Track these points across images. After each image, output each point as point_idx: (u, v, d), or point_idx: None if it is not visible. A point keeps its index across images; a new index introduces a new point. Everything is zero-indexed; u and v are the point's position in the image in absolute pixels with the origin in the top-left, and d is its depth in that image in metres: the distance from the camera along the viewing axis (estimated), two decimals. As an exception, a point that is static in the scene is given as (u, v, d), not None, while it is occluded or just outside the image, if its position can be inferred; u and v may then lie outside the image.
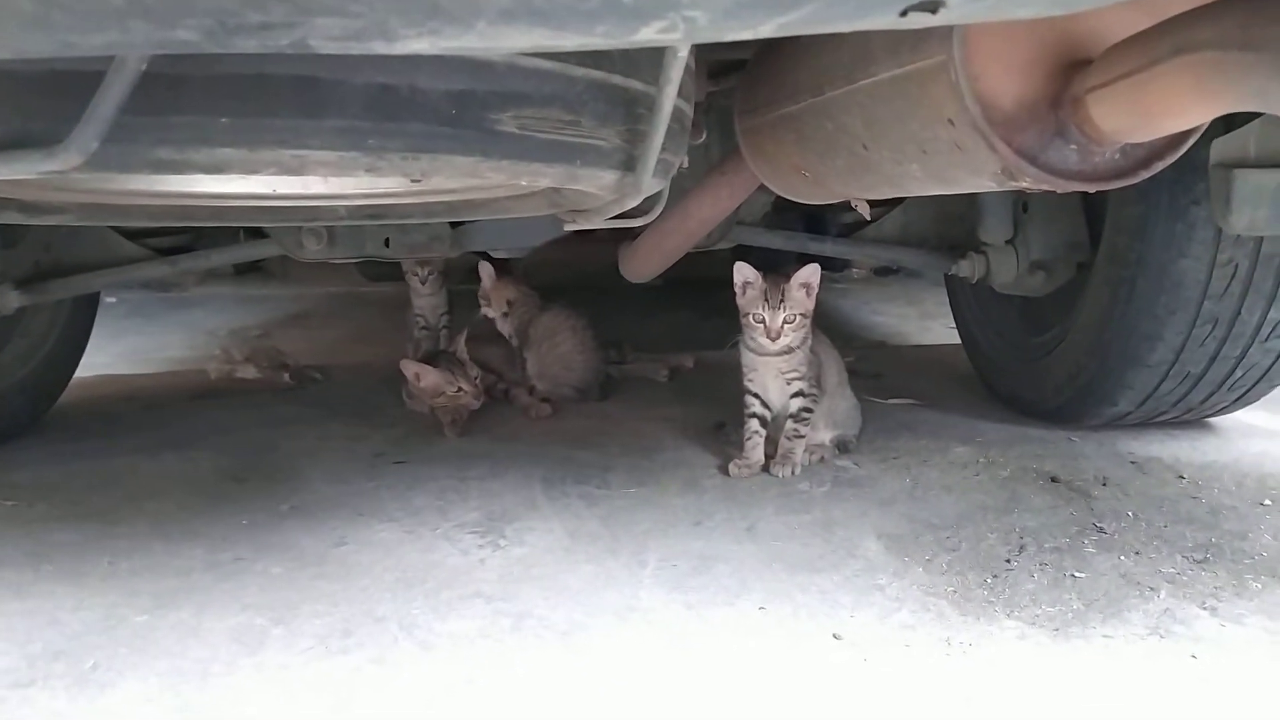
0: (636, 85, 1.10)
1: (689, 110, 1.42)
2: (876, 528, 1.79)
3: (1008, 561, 1.62)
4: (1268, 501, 1.85)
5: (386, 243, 2.65)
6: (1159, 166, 1.13)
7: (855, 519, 1.84)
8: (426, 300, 3.54)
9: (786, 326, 2.07)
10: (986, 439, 2.34)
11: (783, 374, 2.13)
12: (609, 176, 1.25)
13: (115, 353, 3.95)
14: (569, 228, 1.79)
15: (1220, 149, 1.66)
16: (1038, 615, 1.42)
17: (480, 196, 1.70)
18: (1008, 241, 2.39)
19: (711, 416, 2.51)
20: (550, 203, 1.73)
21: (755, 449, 2.15)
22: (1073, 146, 1.09)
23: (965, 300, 2.91)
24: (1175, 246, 1.91)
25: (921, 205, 2.69)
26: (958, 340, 3.02)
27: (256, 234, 2.73)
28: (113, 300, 5.20)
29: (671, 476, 2.13)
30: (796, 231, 2.77)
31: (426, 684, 1.27)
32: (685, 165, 1.55)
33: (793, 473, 2.11)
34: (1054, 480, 2.03)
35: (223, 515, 1.92)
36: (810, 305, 2.10)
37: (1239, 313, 1.96)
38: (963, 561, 1.63)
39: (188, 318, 4.92)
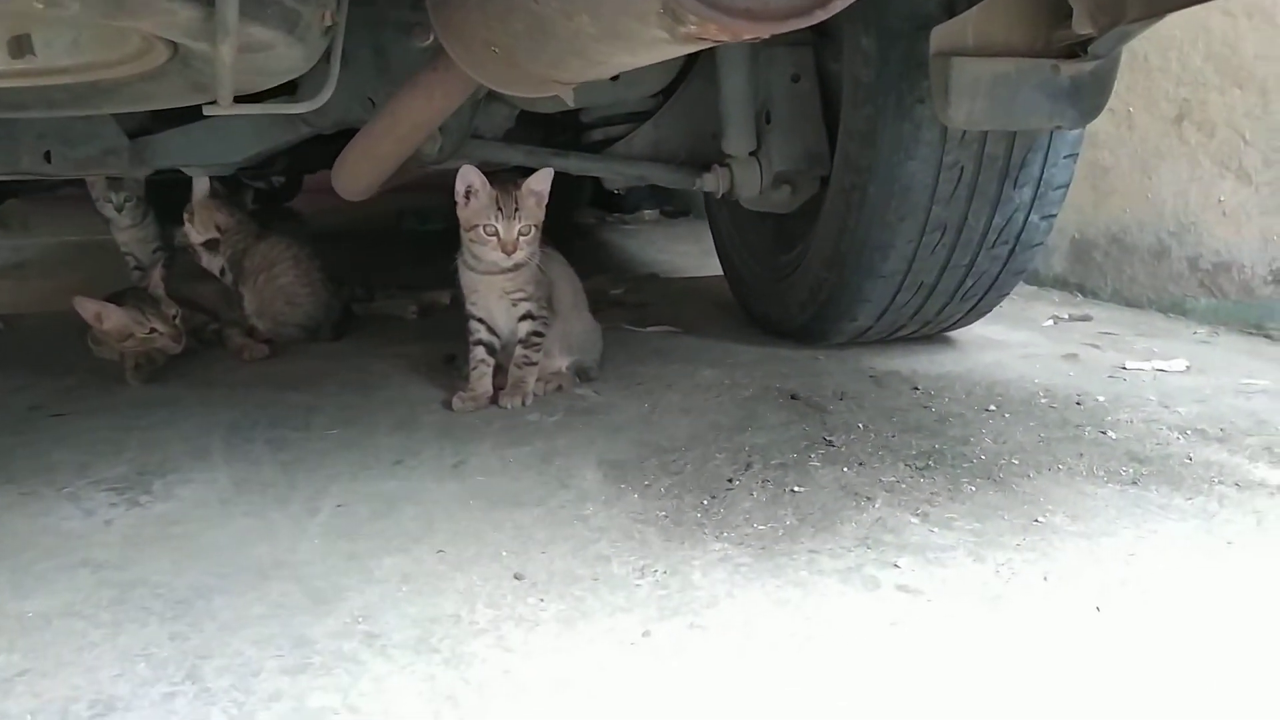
0: None
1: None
2: (600, 456, 1.62)
3: (730, 481, 1.49)
4: (992, 407, 1.83)
5: (48, 157, 2.21)
6: (836, 6, 0.97)
7: (579, 448, 1.66)
8: (127, 234, 3.08)
9: (522, 239, 1.84)
10: (736, 361, 2.23)
11: (508, 294, 1.92)
12: (181, 11, 0.98)
13: None
14: (211, 111, 1.48)
15: (939, 37, 1.57)
16: (747, 535, 1.28)
17: (105, 77, 1.38)
18: (751, 154, 2.27)
19: (448, 347, 2.27)
20: (187, 81, 1.42)
21: (482, 379, 1.93)
22: (739, -23, 0.92)
23: (723, 224, 2.81)
24: (903, 149, 1.83)
25: (674, 120, 2.53)
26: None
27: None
28: None
29: (386, 415, 1.88)
30: (537, 147, 2.54)
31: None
32: (330, 23, 1.29)
33: (523, 403, 1.91)
34: (793, 398, 1.94)
35: None
36: (541, 215, 1.89)
37: (966, 218, 1.92)
38: (683, 484, 1.48)
39: None
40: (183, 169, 2.50)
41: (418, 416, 1.87)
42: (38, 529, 1.33)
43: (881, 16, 1.80)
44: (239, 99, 1.44)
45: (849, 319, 2.15)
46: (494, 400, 1.92)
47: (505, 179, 1.94)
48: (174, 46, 1.17)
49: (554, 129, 2.78)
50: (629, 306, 2.97)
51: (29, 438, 1.75)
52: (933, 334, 2.32)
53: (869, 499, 1.39)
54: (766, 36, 0.98)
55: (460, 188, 1.86)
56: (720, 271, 2.88)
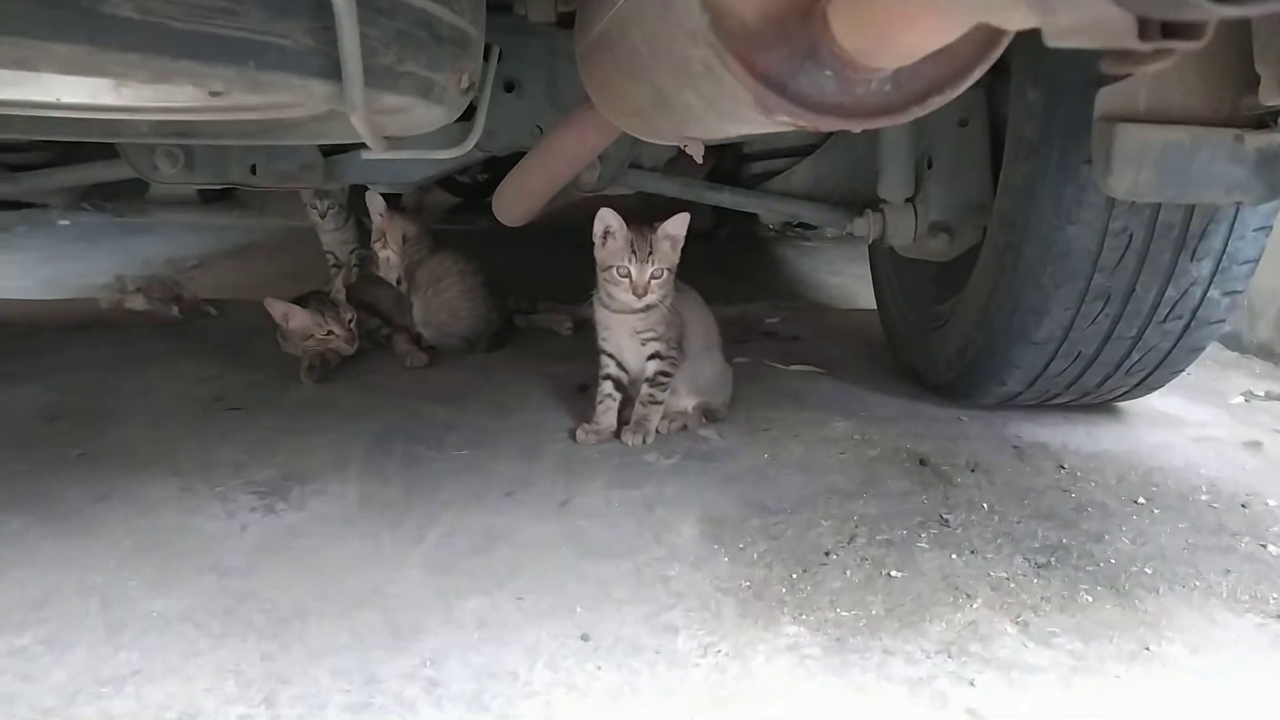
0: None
1: (452, 16, 1.22)
2: (704, 509, 1.62)
3: (827, 555, 1.45)
4: (1142, 500, 1.67)
5: (254, 170, 2.45)
6: (936, 102, 0.92)
7: (685, 499, 1.67)
8: (330, 236, 3.36)
9: (654, 282, 1.87)
10: (872, 414, 2.15)
11: (638, 333, 1.94)
12: (316, 86, 1.06)
13: (40, 277, 3.78)
14: (366, 155, 1.60)
15: (1106, 99, 1.45)
16: (826, 620, 1.24)
17: (285, 116, 1.53)
18: (907, 200, 2.18)
19: (594, 375, 2.33)
20: (350, 125, 1.55)
21: (607, 413, 1.97)
22: (828, 72, 0.89)
23: (881, 262, 2.71)
24: (1064, 211, 1.70)
25: (834, 158, 2.47)
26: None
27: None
28: (65, 223, 5.00)
29: (514, 440, 1.96)
30: (694, 180, 2.55)
31: (81, 677, 1.10)
32: (468, 85, 1.35)
33: (644, 441, 1.94)
34: (921, 463, 1.85)
35: (5, 458, 1.75)
36: (675, 259, 1.91)
37: (1134, 289, 1.75)
38: (778, 552, 1.45)
39: (133, 245, 4.71)
40: (369, 185, 2.71)
41: (542, 445, 1.93)
42: (185, 527, 1.49)
43: (1050, 70, 1.68)
44: (392, 140, 1.55)
45: (997, 383, 2.02)
46: (617, 435, 1.96)
47: (642, 222, 1.97)
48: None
49: (718, 160, 2.79)
50: (779, 339, 2.93)
51: (203, 431, 1.96)
52: (1095, 404, 2.14)
53: (969, 596, 1.31)
54: (857, 132, 0.94)
55: (598, 229, 1.91)
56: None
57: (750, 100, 0.93)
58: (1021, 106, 1.77)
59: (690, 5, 0.88)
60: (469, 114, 1.79)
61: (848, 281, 4.22)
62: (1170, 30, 0.57)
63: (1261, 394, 2.36)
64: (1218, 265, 1.73)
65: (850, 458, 1.88)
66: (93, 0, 0.83)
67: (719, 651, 1.16)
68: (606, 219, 1.89)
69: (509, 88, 2.09)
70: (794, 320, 3.19)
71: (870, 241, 2.25)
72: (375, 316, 2.78)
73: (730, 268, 4.21)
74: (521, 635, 1.19)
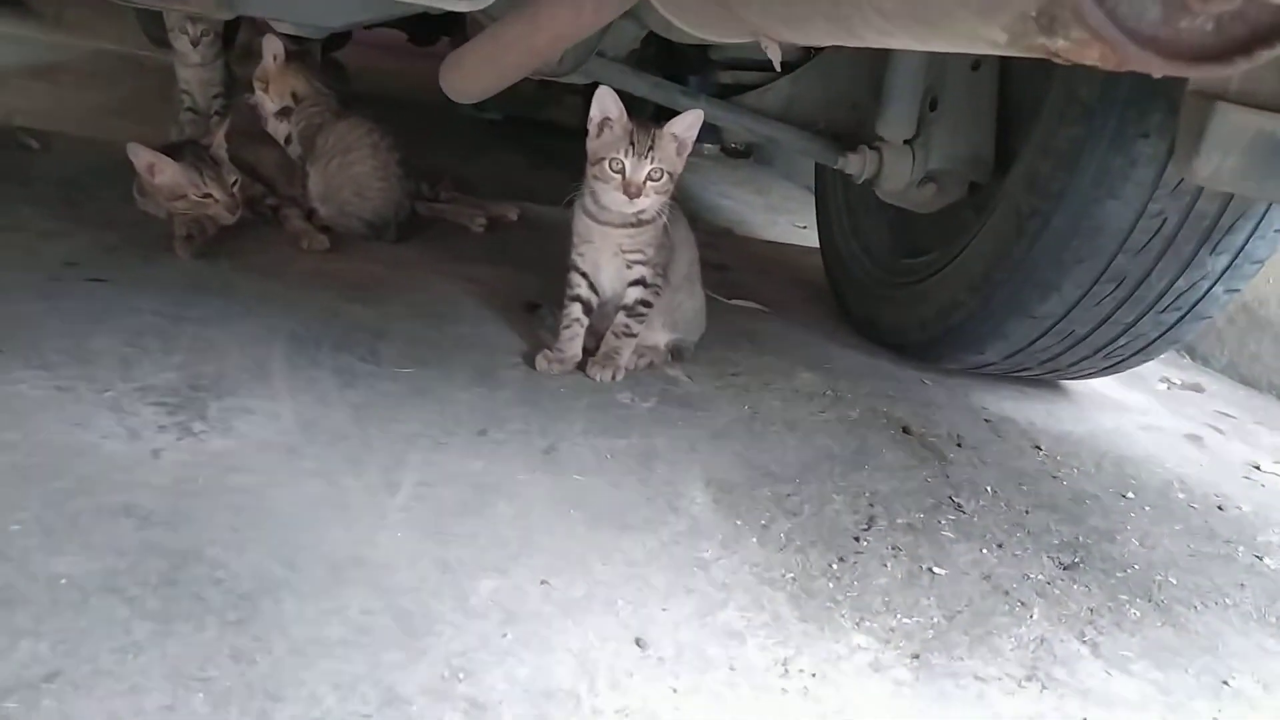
0: None
1: None
2: (706, 469, 1.43)
3: (856, 540, 1.30)
4: (1130, 495, 1.64)
5: (138, -18, 1.94)
6: (1262, 55, 0.74)
7: (682, 453, 1.47)
8: (195, 72, 2.80)
9: (650, 185, 1.59)
10: (835, 367, 2.02)
11: (624, 253, 1.69)
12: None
13: None
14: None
15: (1203, 75, 1.32)
16: (893, 630, 1.10)
17: None
18: (907, 141, 2.02)
19: (528, 287, 2.05)
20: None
21: (573, 340, 1.72)
22: (1157, -4, 0.68)
23: (834, 202, 2.56)
24: (1106, 184, 1.59)
25: (814, 80, 2.26)
26: (809, 243, 2.67)
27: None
28: None
29: (463, 359, 1.67)
30: (664, 79, 2.26)
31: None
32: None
33: (613, 377, 1.71)
34: (906, 431, 1.74)
35: None
36: (680, 166, 1.64)
37: (1149, 275, 1.69)
38: (804, 533, 1.29)
39: None
40: (271, 22, 2.22)
41: (497, 370, 1.66)
42: (75, 447, 1.13)
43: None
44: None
45: (975, 351, 1.94)
46: (581, 367, 1.72)
47: (646, 118, 1.69)
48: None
49: (678, 60, 2.50)
50: (708, 266, 2.73)
51: (64, 306, 1.54)
52: (1046, 378, 2.12)
53: (1023, 604, 1.21)
54: (1157, 77, 0.75)
55: (595, 114, 1.61)
56: (799, 241, 2.65)
57: (1029, 9, 0.71)
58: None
59: None
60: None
61: (739, 208, 4.09)
62: None
63: (1178, 383, 2.44)
64: (1233, 261, 1.69)
65: (832, 418, 1.75)
66: None
67: (800, 668, 0.99)
68: (607, 103, 1.60)
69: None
70: (713, 246, 3.01)
71: (861, 181, 2.07)
72: (257, 181, 2.34)
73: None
74: (564, 637, 0.96)
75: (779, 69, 1.48)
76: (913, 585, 1.21)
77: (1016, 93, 1.99)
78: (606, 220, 1.66)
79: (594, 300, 1.74)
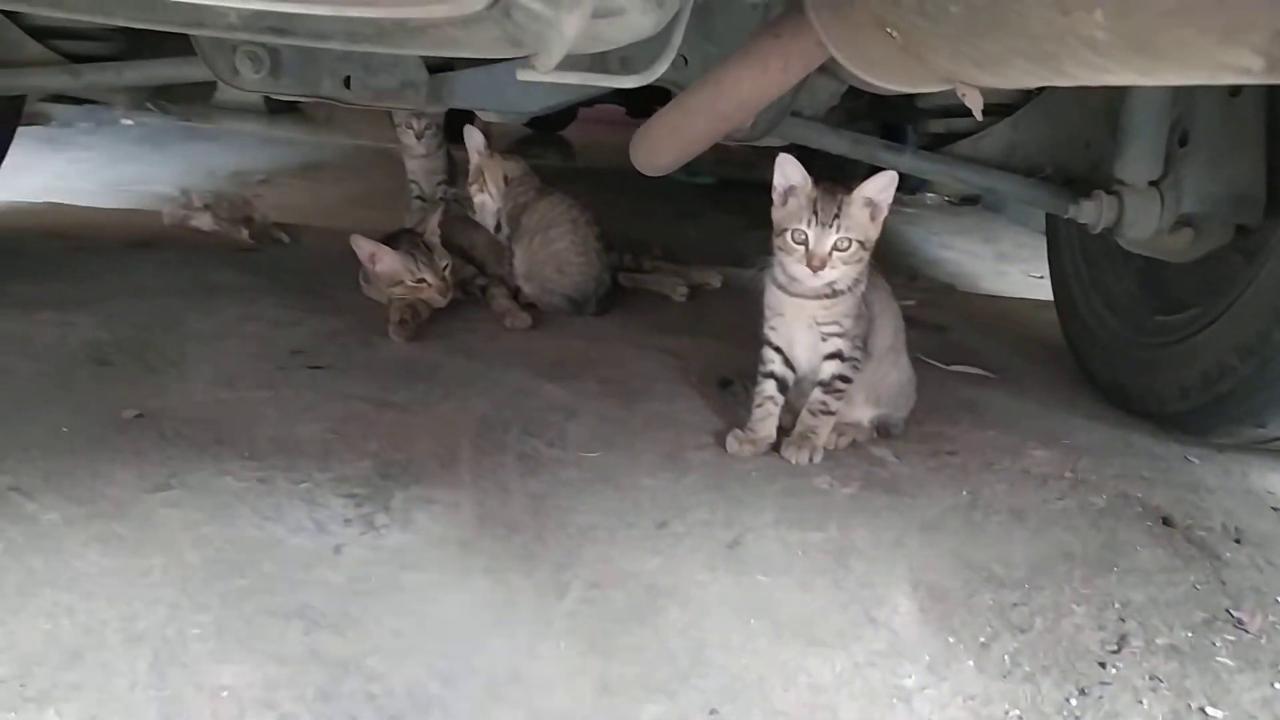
0: None
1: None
2: (913, 569, 1.26)
3: (1103, 666, 1.08)
4: None
5: (347, 83, 2.09)
6: None
7: (885, 549, 1.31)
8: (420, 163, 2.99)
9: (836, 256, 1.47)
10: (1076, 443, 1.76)
11: (819, 325, 1.56)
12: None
13: (102, 179, 3.49)
14: (523, 75, 1.23)
15: None
16: (1154, 799, 0.88)
17: (415, 17, 1.17)
18: (1153, 183, 1.75)
19: (725, 359, 1.96)
20: (505, 34, 1.18)
21: (766, 420, 1.61)
22: None
23: (1069, 251, 2.28)
24: None
25: (1037, 120, 2.04)
26: (1042, 295, 2.39)
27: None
28: (129, 123, 4.73)
29: (651, 440, 1.60)
30: (867, 135, 2.13)
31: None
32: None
33: (810, 459, 1.57)
34: (1166, 523, 1.47)
35: (48, 411, 1.45)
36: (874, 233, 1.50)
37: None
38: (1035, 654, 1.09)
39: (198, 152, 4.37)
40: (477, 111, 2.33)
41: (685, 451, 1.58)
42: (263, 541, 1.16)
43: None
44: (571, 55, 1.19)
45: (1253, 424, 1.62)
46: (775, 447, 1.60)
47: (835, 183, 1.57)
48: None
49: (892, 110, 2.36)
50: (924, 328, 2.53)
51: (282, 397, 1.63)
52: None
53: (1334, 766, 0.94)
54: None
55: (778, 182, 1.52)
56: (1031, 294, 2.37)
57: (1268, 39, 0.55)
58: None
59: None
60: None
61: (963, 259, 3.80)
62: None
63: None
64: None
65: (1072, 506, 1.50)
66: None
67: None
68: (786, 169, 1.50)
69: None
70: (932, 305, 2.78)
71: (1098, 230, 1.82)
72: (469, 264, 2.43)
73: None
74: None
75: (980, 117, 1.32)
76: (1178, 732, 0.98)
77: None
78: (798, 292, 1.54)
79: (789, 376, 1.62)
